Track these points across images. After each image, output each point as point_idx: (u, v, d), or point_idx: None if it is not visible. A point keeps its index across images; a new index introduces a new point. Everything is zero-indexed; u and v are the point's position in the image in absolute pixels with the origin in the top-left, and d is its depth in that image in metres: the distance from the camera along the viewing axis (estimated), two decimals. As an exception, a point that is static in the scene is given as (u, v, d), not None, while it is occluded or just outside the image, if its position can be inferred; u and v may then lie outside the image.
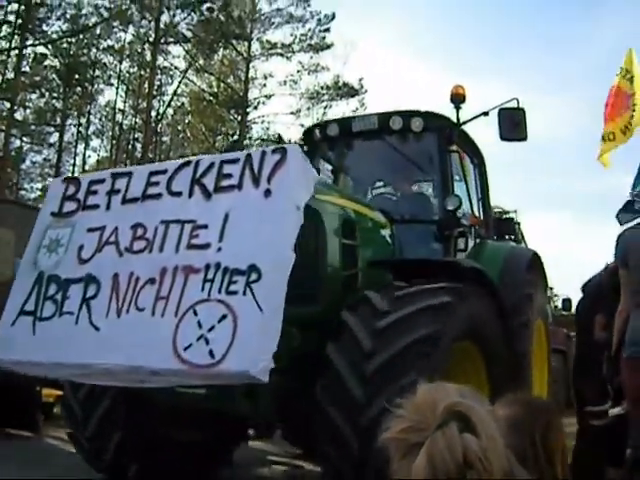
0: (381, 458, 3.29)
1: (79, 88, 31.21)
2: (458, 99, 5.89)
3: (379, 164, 6.42)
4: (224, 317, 2.90)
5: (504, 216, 13.65)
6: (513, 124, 5.42)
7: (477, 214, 6.29)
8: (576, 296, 6.68)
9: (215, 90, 30.56)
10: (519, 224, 13.63)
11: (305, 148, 6.50)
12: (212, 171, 3.39)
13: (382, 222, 5.45)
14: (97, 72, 31.74)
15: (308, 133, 6.51)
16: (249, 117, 29.00)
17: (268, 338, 2.87)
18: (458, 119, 5.91)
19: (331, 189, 5.07)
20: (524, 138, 5.44)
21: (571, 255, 56.42)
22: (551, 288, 15.81)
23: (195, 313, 2.99)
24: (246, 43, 29.62)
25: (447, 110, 5.91)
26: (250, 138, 28.30)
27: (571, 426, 5.45)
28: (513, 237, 12.91)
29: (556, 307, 15.81)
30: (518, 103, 5.48)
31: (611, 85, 7.13)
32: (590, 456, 4.70)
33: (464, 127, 5.94)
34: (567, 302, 13.96)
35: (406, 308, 3.86)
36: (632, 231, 3.66)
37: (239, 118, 28.73)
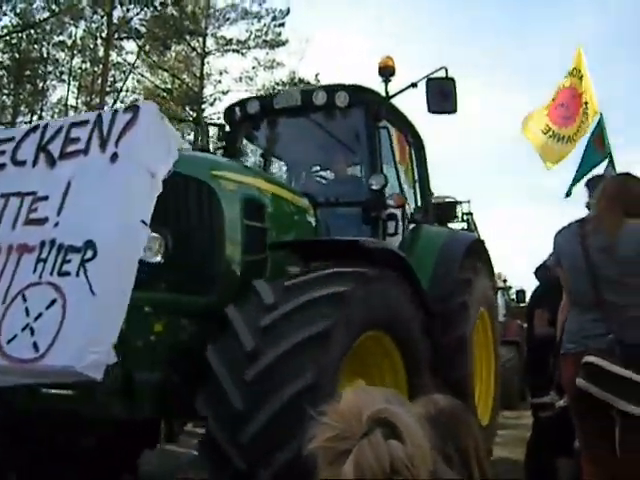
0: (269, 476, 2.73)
1: (30, 85, 30.22)
2: (387, 71, 5.47)
3: (306, 144, 5.93)
4: (53, 302, 2.39)
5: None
6: (442, 95, 4.99)
7: (407, 195, 5.83)
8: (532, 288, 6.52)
9: (169, 86, 29.86)
10: (471, 214, 13.34)
11: (227, 129, 6.07)
12: (60, 136, 2.89)
13: (303, 205, 5.00)
14: (49, 68, 30.78)
15: (228, 112, 6.00)
16: (205, 114, 28.31)
17: (102, 327, 2.37)
18: (387, 92, 5.48)
19: (234, 166, 4.58)
20: (453, 111, 5.02)
21: (534, 248, 57.19)
22: (504, 280, 15.61)
23: (24, 299, 2.47)
24: (200, 39, 29.03)
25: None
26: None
27: (526, 418, 5.65)
28: (466, 228, 12.70)
29: (513, 300, 15.58)
30: (447, 73, 5.06)
31: (561, 85, 7.30)
32: (541, 447, 4.81)
33: (408, 111, 5.52)
34: (521, 294, 13.73)
35: (295, 300, 3.37)
36: (564, 232, 3.56)
37: (194, 115, 28.06)
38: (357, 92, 5.38)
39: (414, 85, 5.26)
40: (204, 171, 3.97)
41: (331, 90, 5.36)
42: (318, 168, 6.05)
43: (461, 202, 13.69)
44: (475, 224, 13.41)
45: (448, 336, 5.25)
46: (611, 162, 6.91)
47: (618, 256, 3.22)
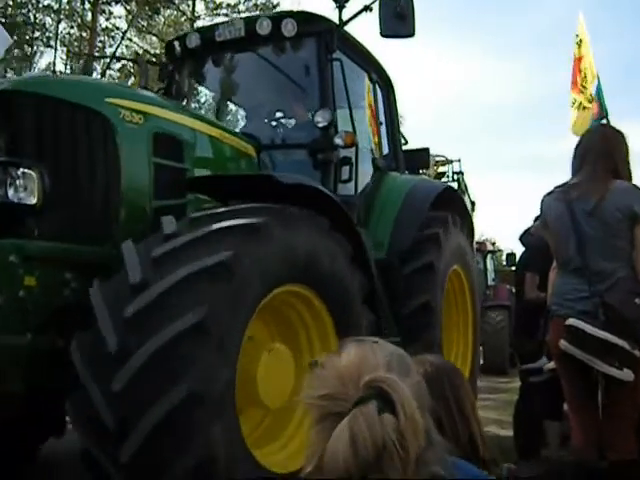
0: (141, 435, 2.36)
1: (18, 49, 29.45)
2: None
3: (254, 81, 5.26)
4: None
5: (445, 165, 12.80)
6: (397, 17, 4.31)
7: (368, 138, 5.19)
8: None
9: (158, 52, 28.99)
10: (462, 174, 12.75)
11: (170, 67, 5.45)
12: None
13: (240, 146, 4.38)
14: (36, 33, 29.97)
15: (168, 49, 5.36)
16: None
17: None
18: (341, 20, 4.80)
19: (141, 95, 3.92)
20: (410, 34, 4.34)
21: (524, 210, 57.21)
22: (493, 243, 15.11)
23: None
24: (190, 3, 28.28)
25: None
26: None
27: (517, 382, 5.64)
28: (457, 187, 12.06)
29: (505, 265, 15.04)
30: (403, -9, 4.37)
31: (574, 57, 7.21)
32: (530, 411, 4.89)
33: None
34: (512, 257, 13.13)
35: (198, 231, 2.83)
36: (549, 197, 3.49)
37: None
38: (305, 20, 4.71)
39: (368, 9, 4.59)
40: (96, 98, 3.35)
41: (277, 18, 4.71)
42: (265, 107, 5.38)
43: (452, 161, 13.12)
44: (466, 184, 12.83)
45: (409, 303, 4.71)
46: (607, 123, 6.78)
47: (604, 218, 3.18)
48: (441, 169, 12.99)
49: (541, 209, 3.55)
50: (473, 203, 12.87)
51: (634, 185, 3.28)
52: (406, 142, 6.46)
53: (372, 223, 5.03)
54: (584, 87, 6.87)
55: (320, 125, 4.37)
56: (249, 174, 4.06)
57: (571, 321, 3.11)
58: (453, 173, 12.84)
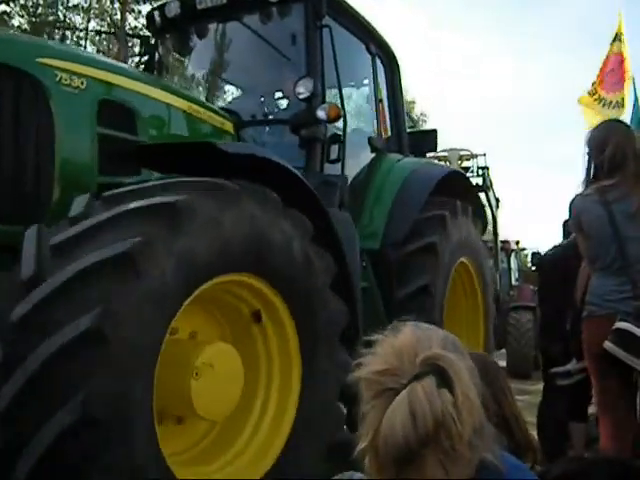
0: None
1: (47, 49, 29.68)
2: None
3: (239, 53, 4.78)
4: None
5: (472, 159, 12.21)
6: None
7: (365, 117, 4.72)
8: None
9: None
10: (487, 169, 12.12)
11: (151, 40, 5.05)
12: None
13: (213, 120, 3.97)
14: (67, 33, 30.15)
15: (149, 19, 4.94)
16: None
17: None
18: (331, -18, 4.33)
19: (84, 56, 3.49)
20: None
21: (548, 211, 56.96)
22: (517, 242, 14.43)
23: None
24: (219, 0, 27.99)
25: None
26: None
27: (542, 384, 5.55)
28: (482, 183, 11.48)
29: (529, 268, 14.38)
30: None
31: (609, 52, 7.17)
32: (554, 412, 4.90)
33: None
34: (537, 255, 12.42)
35: (107, 212, 2.37)
36: (582, 198, 3.42)
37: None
38: None
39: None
40: (25, 57, 2.91)
41: None
42: (251, 81, 4.92)
43: (477, 155, 12.48)
44: (491, 180, 12.18)
45: (405, 287, 4.22)
46: None
47: None
48: (465, 164, 12.36)
49: (571, 211, 3.46)
50: (498, 200, 12.25)
51: None
52: (413, 125, 5.96)
53: (366, 210, 4.56)
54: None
55: (302, 96, 3.91)
56: (187, 142, 3.57)
57: (622, 325, 3.10)
58: (478, 168, 12.17)
